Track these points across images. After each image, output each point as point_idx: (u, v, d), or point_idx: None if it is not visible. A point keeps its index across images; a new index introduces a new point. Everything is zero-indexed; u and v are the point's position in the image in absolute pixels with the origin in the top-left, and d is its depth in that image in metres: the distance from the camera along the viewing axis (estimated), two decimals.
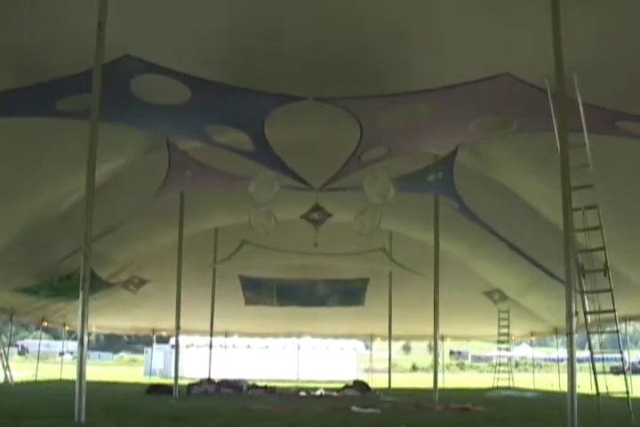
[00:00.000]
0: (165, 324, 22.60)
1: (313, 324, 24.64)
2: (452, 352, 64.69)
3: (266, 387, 17.36)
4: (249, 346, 30.08)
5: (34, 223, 13.74)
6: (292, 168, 12.30)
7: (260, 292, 22.98)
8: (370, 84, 9.69)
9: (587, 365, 10.22)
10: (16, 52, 8.50)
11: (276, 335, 27.24)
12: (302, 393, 15.74)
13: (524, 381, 24.03)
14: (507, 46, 8.62)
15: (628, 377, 8.93)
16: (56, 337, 44.77)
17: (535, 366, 30.19)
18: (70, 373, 16.37)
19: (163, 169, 13.06)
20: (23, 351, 55.32)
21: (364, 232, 14.62)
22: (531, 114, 9.46)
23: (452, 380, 28.62)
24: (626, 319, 16.65)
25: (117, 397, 13.81)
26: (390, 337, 21.98)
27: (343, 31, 8.92)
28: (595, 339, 10.60)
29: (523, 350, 39.84)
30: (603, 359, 9.73)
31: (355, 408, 10.62)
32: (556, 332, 21.89)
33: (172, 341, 25.56)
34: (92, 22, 7.29)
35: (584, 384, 9.17)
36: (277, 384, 19.39)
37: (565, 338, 7.43)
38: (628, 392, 8.73)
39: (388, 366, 23.24)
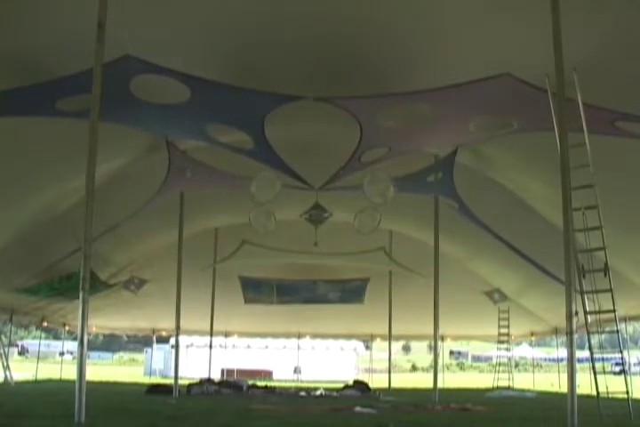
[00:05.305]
0: (165, 324, 22.63)
1: (313, 324, 24.61)
2: (451, 352, 64.66)
3: (266, 387, 17.36)
4: (249, 346, 30.09)
5: (34, 223, 13.73)
6: (291, 167, 12.29)
7: (259, 291, 22.96)
8: (370, 84, 9.69)
9: (587, 365, 10.21)
10: (16, 52, 8.48)
11: (275, 335, 27.23)
12: (302, 393, 15.73)
13: (524, 381, 24.02)
14: (507, 46, 8.61)
15: (628, 377, 8.93)
16: (56, 337, 44.75)
17: (535, 366, 30.21)
18: (70, 373, 16.38)
19: (163, 169, 13.05)
20: (23, 351, 55.30)
21: (363, 232, 14.63)
22: (531, 114, 9.46)
23: (452, 380, 28.61)
24: (626, 319, 16.65)
25: (117, 397, 13.78)
26: (390, 337, 21.97)
27: (343, 31, 8.90)
28: (595, 339, 10.58)
29: (523, 350, 39.85)
30: (603, 359, 9.72)
31: (357, 408, 10.60)
32: (556, 332, 21.88)
33: (172, 341, 25.56)
34: (92, 22, 7.28)
35: (584, 384, 9.16)
36: (277, 384, 19.38)
37: (565, 338, 7.43)
38: (628, 392, 8.73)
39: (387, 366, 23.23)
